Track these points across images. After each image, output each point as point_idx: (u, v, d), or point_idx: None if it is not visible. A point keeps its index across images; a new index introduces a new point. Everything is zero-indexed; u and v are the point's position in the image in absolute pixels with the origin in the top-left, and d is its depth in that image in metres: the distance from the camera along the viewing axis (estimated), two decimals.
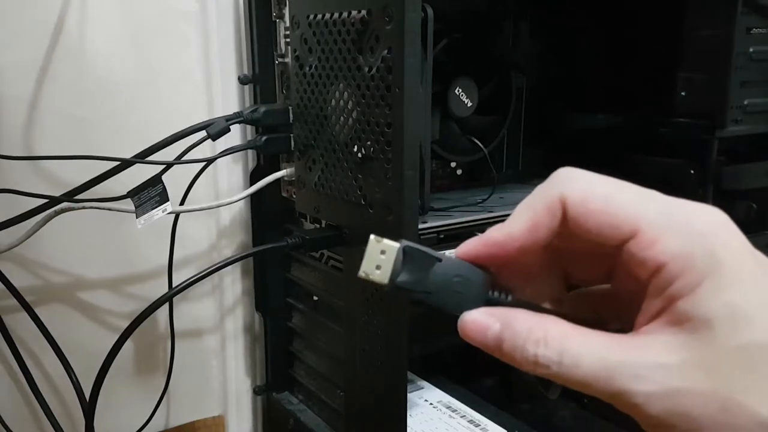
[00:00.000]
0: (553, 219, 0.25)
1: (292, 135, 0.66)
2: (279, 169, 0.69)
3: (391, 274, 0.27)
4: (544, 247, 0.26)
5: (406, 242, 0.27)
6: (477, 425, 0.66)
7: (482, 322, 0.26)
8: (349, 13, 0.54)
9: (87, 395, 0.61)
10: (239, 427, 0.85)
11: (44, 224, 0.63)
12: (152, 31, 0.71)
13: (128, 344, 0.61)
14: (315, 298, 0.71)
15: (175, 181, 0.63)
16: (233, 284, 0.81)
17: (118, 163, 0.61)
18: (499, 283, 0.28)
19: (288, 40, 0.66)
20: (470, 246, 0.27)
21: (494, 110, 0.74)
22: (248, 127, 0.74)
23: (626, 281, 0.26)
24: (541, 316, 0.26)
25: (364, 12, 0.52)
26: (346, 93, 0.56)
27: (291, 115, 0.66)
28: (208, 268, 0.61)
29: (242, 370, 0.84)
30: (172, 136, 0.62)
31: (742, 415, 0.22)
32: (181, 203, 0.69)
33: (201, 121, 0.63)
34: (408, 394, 0.61)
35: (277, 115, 0.66)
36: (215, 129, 0.63)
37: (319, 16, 0.58)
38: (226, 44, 0.74)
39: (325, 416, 0.73)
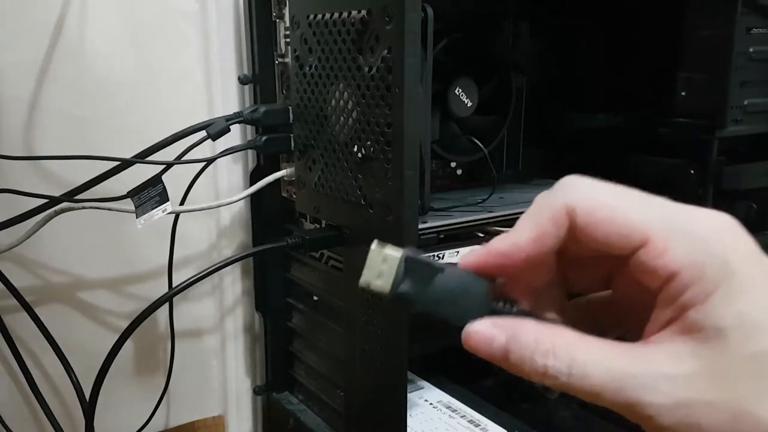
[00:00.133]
0: (559, 229, 0.25)
1: (292, 135, 0.66)
2: (279, 169, 0.69)
3: (392, 284, 0.27)
4: (548, 256, 0.26)
5: (408, 252, 0.27)
6: (477, 425, 0.66)
7: (487, 333, 0.26)
8: (349, 13, 0.54)
9: (87, 395, 0.61)
10: (239, 427, 0.85)
11: (44, 224, 0.63)
12: (152, 31, 0.71)
13: (128, 344, 0.61)
14: (315, 298, 0.71)
15: (175, 181, 0.63)
16: (233, 284, 0.81)
17: (118, 163, 0.61)
18: (503, 293, 0.27)
19: (288, 40, 0.66)
20: (474, 256, 0.27)
21: (494, 110, 0.74)
22: (248, 127, 0.74)
23: (628, 288, 0.26)
24: (547, 326, 0.26)
25: (364, 12, 0.52)
26: (346, 93, 0.56)
27: (291, 115, 0.66)
28: (208, 268, 0.61)
29: (242, 370, 0.84)
30: (172, 136, 0.62)
31: (755, 425, 0.22)
32: (181, 203, 0.69)
33: (201, 121, 0.63)
34: (408, 394, 0.61)
35: (277, 115, 0.66)
36: (215, 129, 0.63)
37: (319, 16, 0.58)
38: (226, 44, 0.74)
39: (325, 416, 0.73)
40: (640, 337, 0.25)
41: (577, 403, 0.83)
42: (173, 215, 0.70)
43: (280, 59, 0.70)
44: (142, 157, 0.61)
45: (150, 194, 0.61)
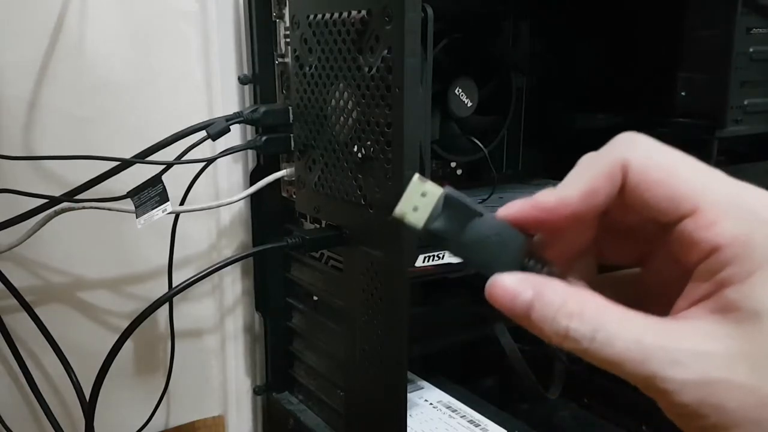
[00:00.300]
0: (613, 185, 0.24)
1: (292, 135, 0.66)
2: (279, 169, 0.69)
3: (427, 219, 0.26)
4: (593, 217, 0.25)
5: (449, 189, 0.26)
6: (477, 425, 0.66)
7: (514, 286, 0.24)
8: (349, 13, 0.54)
9: (87, 395, 0.61)
10: (239, 427, 0.85)
11: (44, 224, 0.63)
12: (152, 31, 0.71)
13: (128, 344, 0.61)
14: (315, 298, 0.71)
15: (175, 181, 0.63)
16: (233, 284, 0.81)
17: (118, 163, 0.61)
18: (537, 251, 0.26)
19: (288, 40, 0.66)
20: (515, 207, 0.25)
21: (494, 110, 0.74)
22: (248, 127, 0.74)
23: (663, 263, 0.25)
24: (577, 289, 0.24)
25: (364, 12, 0.52)
26: (346, 93, 0.56)
27: (291, 115, 0.66)
28: (208, 268, 0.61)
29: (242, 370, 0.84)
30: (172, 136, 0.62)
31: None
32: (181, 203, 0.69)
33: (201, 121, 0.63)
34: (408, 394, 0.61)
35: (277, 115, 0.66)
36: (215, 129, 0.63)
37: (319, 16, 0.58)
38: (226, 44, 0.74)
39: (325, 416, 0.73)
40: (665, 315, 0.24)
41: (577, 403, 0.84)
42: (173, 215, 0.70)
43: (280, 59, 0.70)
44: (142, 157, 0.62)
45: (150, 194, 0.61)
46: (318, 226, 0.65)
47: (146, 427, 0.76)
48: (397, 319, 0.55)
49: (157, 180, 0.61)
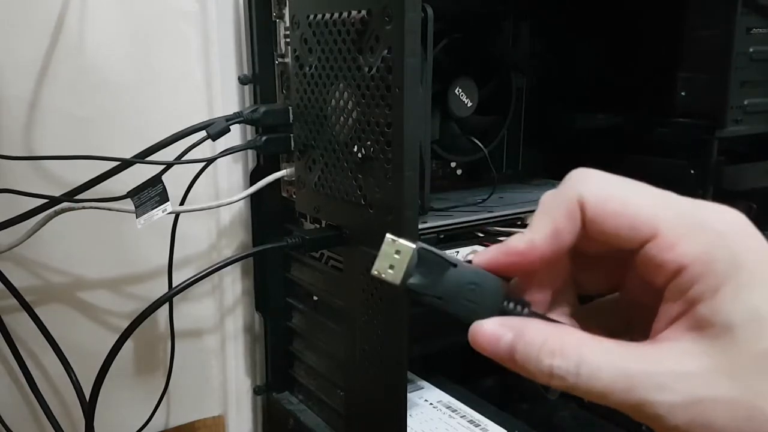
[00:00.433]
0: (574, 223, 0.25)
1: (292, 135, 0.66)
2: (279, 169, 0.69)
3: (403, 275, 0.26)
4: (563, 255, 0.26)
5: (421, 244, 0.27)
6: (477, 425, 0.66)
7: (493, 331, 0.25)
8: (349, 13, 0.54)
9: (87, 395, 0.61)
10: (239, 427, 0.85)
11: (44, 224, 0.63)
12: (152, 31, 0.71)
13: (128, 344, 0.61)
14: (315, 298, 0.71)
15: (175, 181, 0.63)
16: (233, 284, 0.81)
17: (118, 163, 0.61)
18: (515, 294, 0.27)
19: (288, 40, 0.66)
20: (488, 255, 0.26)
21: (494, 110, 0.74)
22: (248, 127, 0.74)
23: (638, 289, 0.26)
24: (555, 326, 0.25)
25: (364, 12, 0.52)
26: (346, 93, 0.56)
27: (291, 115, 0.66)
28: (208, 268, 0.61)
29: (242, 370, 0.84)
30: (172, 136, 0.62)
31: None
32: (181, 203, 0.69)
33: (201, 121, 0.63)
34: (408, 394, 0.61)
35: (277, 115, 0.66)
36: (215, 129, 0.63)
37: (319, 16, 0.58)
38: (226, 44, 0.74)
39: (325, 416, 0.73)
40: (648, 337, 0.25)
41: (577, 403, 0.84)
42: (173, 215, 0.70)
43: (280, 59, 0.70)
44: (142, 157, 0.61)
45: (150, 194, 0.61)
46: (318, 226, 0.65)
47: (146, 427, 0.76)
48: (397, 319, 0.55)
49: (157, 180, 0.61)
